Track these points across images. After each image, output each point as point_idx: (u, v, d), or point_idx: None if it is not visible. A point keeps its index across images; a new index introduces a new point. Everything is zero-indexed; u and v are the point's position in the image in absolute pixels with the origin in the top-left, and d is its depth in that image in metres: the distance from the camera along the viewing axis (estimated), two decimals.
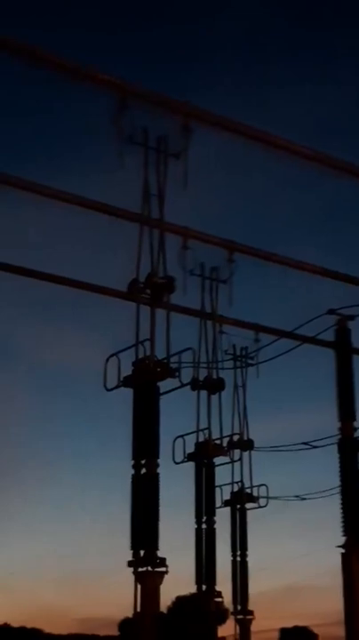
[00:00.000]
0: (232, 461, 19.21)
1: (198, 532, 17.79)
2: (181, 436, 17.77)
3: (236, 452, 19.39)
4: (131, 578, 11.94)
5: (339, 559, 14.08)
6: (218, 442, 18.30)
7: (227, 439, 18.95)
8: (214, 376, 18.28)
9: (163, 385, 12.85)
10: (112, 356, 13.03)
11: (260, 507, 19.82)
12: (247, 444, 19.66)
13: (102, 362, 13.12)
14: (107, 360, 13.06)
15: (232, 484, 19.56)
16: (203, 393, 18.07)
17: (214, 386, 18.12)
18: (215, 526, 17.95)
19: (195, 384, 17.64)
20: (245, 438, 19.65)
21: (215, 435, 18.21)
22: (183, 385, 13.47)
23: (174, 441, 17.56)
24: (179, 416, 17.92)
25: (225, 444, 18.61)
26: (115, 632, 35.08)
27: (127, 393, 12.85)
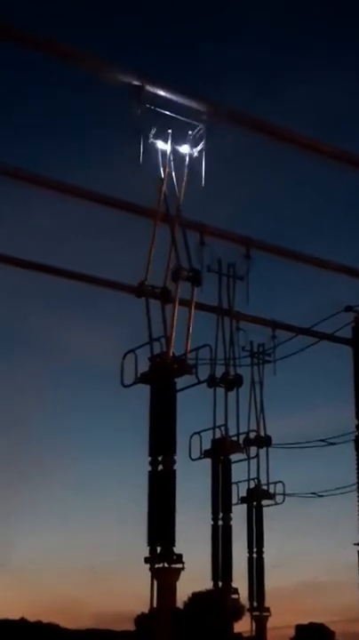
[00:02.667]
0: (248, 458, 19.18)
1: (214, 528, 17.78)
2: (198, 432, 17.77)
3: (253, 449, 19.35)
4: (148, 573, 11.99)
5: (355, 556, 14.06)
6: (236, 438, 18.32)
7: (244, 436, 18.91)
8: (231, 373, 18.23)
9: (179, 381, 12.90)
10: (129, 352, 13.03)
11: (277, 503, 19.80)
12: (264, 441, 19.62)
13: (120, 356, 13.14)
14: (125, 356, 13.06)
15: (248, 480, 19.56)
16: (220, 390, 18.04)
17: (231, 383, 18.08)
18: (231, 523, 17.95)
19: (212, 381, 17.60)
20: (262, 435, 19.60)
21: (232, 432, 18.22)
22: (200, 382, 13.47)
23: (191, 438, 17.55)
24: (195, 413, 17.93)
25: (241, 441, 18.58)
26: (131, 627, 35.07)
27: (146, 388, 12.89)
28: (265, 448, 19.63)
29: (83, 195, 14.80)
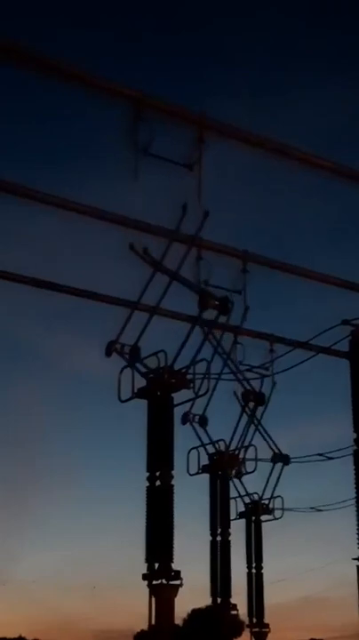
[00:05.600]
0: (246, 473, 19.08)
1: (213, 544, 17.73)
2: (196, 447, 17.72)
3: (250, 465, 19.25)
4: (147, 590, 11.91)
5: (355, 571, 13.97)
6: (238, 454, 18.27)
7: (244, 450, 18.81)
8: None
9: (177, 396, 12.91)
10: (126, 367, 13.01)
11: (276, 518, 19.71)
12: (282, 458, 19.46)
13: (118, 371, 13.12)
14: (121, 371, 13.03)
15: (238, 497, 19.42)
16: (220, 403, 18.03)
17: (204, 420, 17.99)
18: (230, 538, 17.89)
19: (186, 418, 17.43)
20: (276, 451, 19.44)
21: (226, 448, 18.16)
22: (198, 396, 13.45)
23: (188, 452, 17.51)
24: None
25: (241, 456, 18.50)
26: None
27: (144, 403, 12.87)
28: (281, 465, 19.45)
29: (81, 210, 14.76)
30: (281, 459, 19.30)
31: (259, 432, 19.04)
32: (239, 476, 18.81)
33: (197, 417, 17.71)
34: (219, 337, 17.31)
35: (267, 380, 18.73)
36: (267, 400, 18.52)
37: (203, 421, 17.83)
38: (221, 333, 16.95)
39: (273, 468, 19.33)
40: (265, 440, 19.18)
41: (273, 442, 19.32)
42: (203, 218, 13.61)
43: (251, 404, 18.87)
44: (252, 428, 19.08)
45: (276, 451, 19.29)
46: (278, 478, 19.47)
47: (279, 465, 19.34)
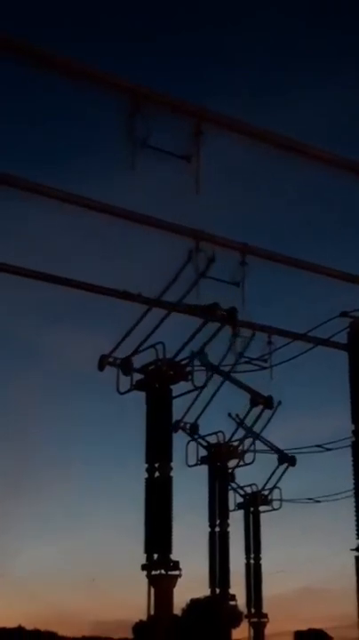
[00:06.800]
0: (244, 464, 19.12)
1: (212, 535, 17.78)
2: (195, 439, 17.74)
3: (248, 457, 19.29)
4: (146, 580, 11.98)
5: (353, 562, 14.04)
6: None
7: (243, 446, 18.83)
8: None
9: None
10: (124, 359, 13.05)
11: (274, 509, 19.77)
12: (289, 460, 19.47)
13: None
14: (120, 364, 13.07)
15: (233, 489, 19.46)
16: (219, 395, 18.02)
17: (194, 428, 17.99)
18: (228, 529, 17.95)
19: (176, 426, 17.27)
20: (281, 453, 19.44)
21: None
22: (196, 388, 13.49)
23: (187, 444, 17.54)
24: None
25: (241, 448, 18.53)
26: (130, 635, 34.98)
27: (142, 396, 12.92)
28: (286, 465, 19.49)
29: (82, 203, 14.73)
30: (287, 460, 19.34)
31: (261, 440, 19.03)
32: (232, 479, 18.84)
33: (189, 425, 17.69)
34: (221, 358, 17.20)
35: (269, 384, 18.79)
36: (275, 407, 18.43)
37: (194, 429, 17.82)
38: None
39: (277, 468, 19.40)
40: (266, 445, 19.19)
41: (274, 445, 19.34)
42: (207, 263, 13.64)
43: (252, 410, 18.88)
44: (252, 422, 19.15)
45: (280, 453, 19.33)
46: (281, 476, 19.54)
47: (273, 456, 19.43)
